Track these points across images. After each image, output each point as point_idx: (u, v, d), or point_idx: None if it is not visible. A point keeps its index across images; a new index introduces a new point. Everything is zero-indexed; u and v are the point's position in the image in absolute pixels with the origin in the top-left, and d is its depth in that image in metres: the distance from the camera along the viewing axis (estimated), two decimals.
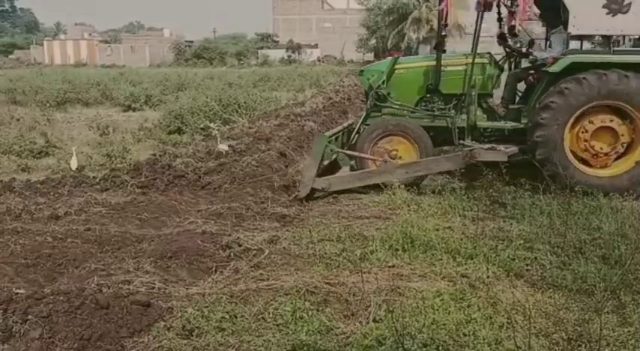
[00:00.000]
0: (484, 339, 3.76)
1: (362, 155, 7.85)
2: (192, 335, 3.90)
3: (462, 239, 5.66)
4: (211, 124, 10.34)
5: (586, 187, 6.89)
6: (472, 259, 5.19)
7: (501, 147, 7.56)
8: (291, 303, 4.25)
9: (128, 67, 49.31)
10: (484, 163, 7.35)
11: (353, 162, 8.21)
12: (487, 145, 7.61)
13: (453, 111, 8.01)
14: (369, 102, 8.29)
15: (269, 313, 4.17)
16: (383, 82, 8.12)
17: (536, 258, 5.16)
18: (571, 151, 7.39)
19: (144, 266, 5.00)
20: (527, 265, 5.07)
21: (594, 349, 3.64)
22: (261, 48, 69.55)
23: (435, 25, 55.15)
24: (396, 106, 8.17)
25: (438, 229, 5.91)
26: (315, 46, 69.35)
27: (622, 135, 7.26)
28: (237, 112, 13.69)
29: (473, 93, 7.78)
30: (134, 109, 19.07)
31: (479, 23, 8.00)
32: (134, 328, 3.98)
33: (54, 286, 4.59)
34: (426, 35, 54.63)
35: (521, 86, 8.59)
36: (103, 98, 21.26)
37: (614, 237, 5.32)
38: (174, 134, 13.01)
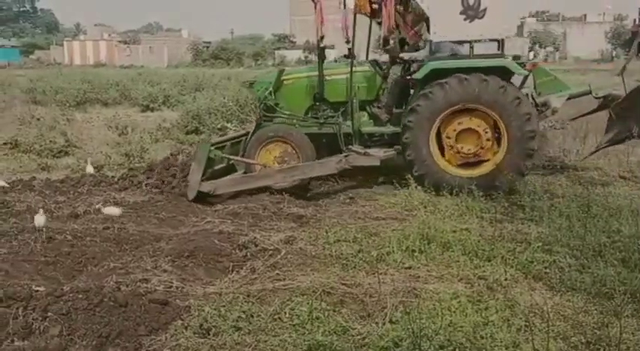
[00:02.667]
0: (502, 342, 3.73)
1: (244, 160, 8.19)
2: (209, 334, 3.92)
3: (479, 241, 5.62)
4: (228, 124, 10.40)
5: (453, 187, 7.21)
6: (490, 261, 5.16)
7: (376, 151, 7.81)
8: (308, 303, 4.26)
9: (146, 67, 49.73)
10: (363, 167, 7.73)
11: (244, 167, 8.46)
12: (363, 150, 7.82)
13: (340, 118, 8.23)
14: (258, 112, 8.60)
15: (285, 313, 4.18)
16: (270, 93, 8.36)
17: (554, 261, 5.11)
18: (442, 153, 7.63)
19: (162, 265, 5.05)
20: (545, 267, 5.01)
21: None
22: (278, 49, 69.72)
23: None
24: (285, 116, 8.41)
25: (455, 231, 5.88)
26: (332, 47, 69.34)
27: (483, 134, 7.46)
28: (253, 112, 13.72)
29: (355, 100, 7.99)
30: (152, 109, 19.21)
31: (354, 29, 8.16)
32: (152, 326, 4.01)
33: (73, 283, 4.65)
34: None
35: None
36: (121, 98, 21.43)
37: (634, 240, 5.25)
38: (191, 134, 13.08)
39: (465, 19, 7.37)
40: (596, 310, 4.22)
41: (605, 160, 9.49)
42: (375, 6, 7.91)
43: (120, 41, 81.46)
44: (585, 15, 78.44)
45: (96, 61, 68.30)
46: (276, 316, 4.15)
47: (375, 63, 8.59)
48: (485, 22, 7.34)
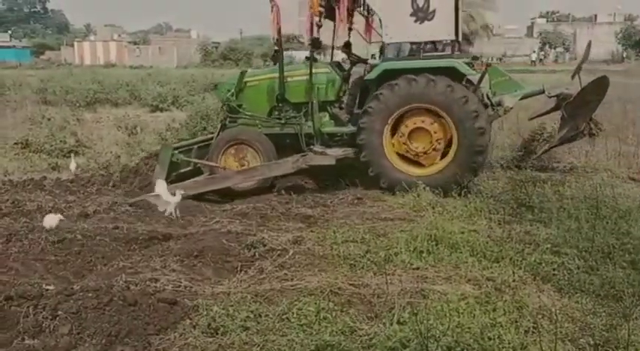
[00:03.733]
0: (509, 343, 3.72)
1: (205, 162, 8.36)
2: (217, 333, 3.94)
3: (487, 242, 5.62)
4: None
5: (407, 187, 7.38)
6: (498, 262, 5.15)
7: (334, 151, 7.92)
8: (315, 303, 4.27)
9: (156, 67, 49.84)
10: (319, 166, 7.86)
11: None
12: (322, 150, 7.94)
13: (301, 119, 8.32)
14: (221, 114, 8.78)
15: (293, 313, 4.19)
16: (232, 95, 8.50)
17: (563, 262, 5.09)
18: (397, 153, 7.75)
19: (170, 264, 5.09)
20: (554, 269, 5.00)
21: None
22: (287, 49, 69.66)
23: (466, 27, 54.92)
24: (247, 117, 8.53)
25: (463, 232, 5.87)
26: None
27: (434, 132, 7.57)
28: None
29: (314, 101, 8.09)
30: (161, 110, 19.29)
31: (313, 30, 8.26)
32: (161, 325, 4.04)
33: (83, 282, 4.69)
34: None
35: None
36: (131, 99, 21.54)
37: None
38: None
39: (415, 21, 7.52)
40: (604, 312, 4.21)
41: (614, 161, 9.45)
42: (321, 9, 7.96)
43: (130, 42, 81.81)
44: (595, 15, 78.02)
45: (106, 61, 68.55)
46: (283, 316, 4.16)
47: (336, 64, 8.71)
48: (435, 24, 7.48)
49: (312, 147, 8.09)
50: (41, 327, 3.90)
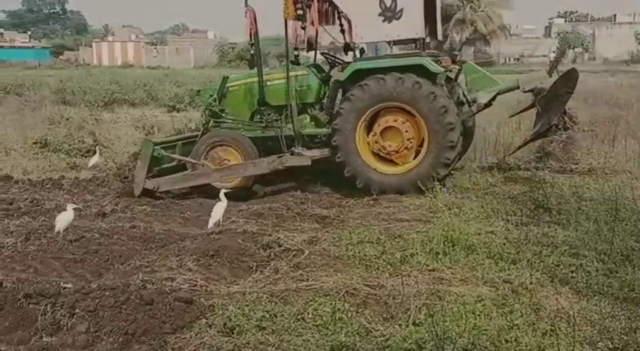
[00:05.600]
0: (527, 346, 3.69)
1: (185, 159, 8.48)
2: (233, 333, 3.95)
3: (504, 244, 5.57)
4: None
5: (381, 186, 7.54)
6: (515, 264, 5.10)
7: (309, 152, 8.03)
8: (331, 304, 4.27)
9: (173, 68, 50.15)
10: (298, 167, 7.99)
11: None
12: (300, 151, 8.05)
13: (282, 121, 8.41)
14: (203, 118, 8.93)
15: (308, 314, 4.19)
16: (215, 100, 8.66)
17: (581, 265, 5.03)
18: (372, 152, 7.78)
19: (187, 264, 5.11)
20: (572, 271, 4.94)
21: None
22: (303, 49, 69.63)
23: (479, 27, 54.58)
24: (230, 121, 8.67)
25: (480, 233, 5.83)
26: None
27: (406, 131, 7.61)
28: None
29: (293, 103, 8.16)
30: (178, 110, 19.38)
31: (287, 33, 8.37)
32: (177, 324, 4.06)
33: (100, 281, 4.74)
34: (469, 36, 53.96)
35: None
36: (148, 99, 21.68)
37: None
38: None
39: (383, 21, 7.60)
40: (623, 315, 4.15)
41: (634, 163, 9.32)
42: (299, 12, 8.04)
43: (147, 42, 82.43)
44: (615, 15, 77.09)
45: (124, 61, 69.15)
46: (299, 317, 4.16)
47: (316, 66, 8.77)
48: (403, 23, 7.56)
49: (293, 149, 8.16)
50: (59, 325, 3.94)
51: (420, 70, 7.44)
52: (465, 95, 8.37)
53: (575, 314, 4.04)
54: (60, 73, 35.67)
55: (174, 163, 8.55)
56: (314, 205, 7.42)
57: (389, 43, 8.20)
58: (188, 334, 3.95)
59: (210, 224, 6.17)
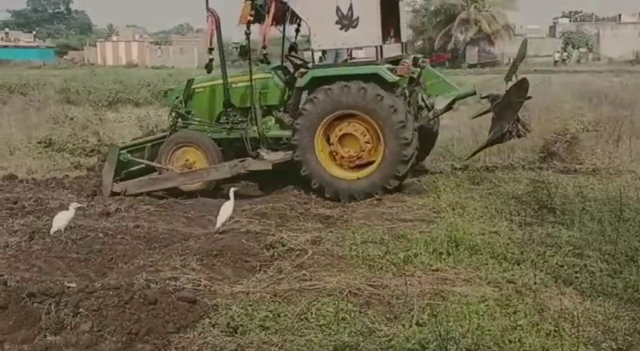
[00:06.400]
0: (530, 346, 3.69)
1: (148, 163, 8.59)
2: (236, 333, 3.96)
3: (508, 244, 5.56)
4: None
5: (335, 189, 7.65)
6: (519, 264, 5.10)
7: (271, 155, 8.09)
8: (334, 304, 4.27)
9: (177, 68, 50.14)
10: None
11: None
12: (265, 154, 8.14)
13: (247, 123, 8.47)
14: (170, 119, 8.98)
15: (312, 313, 4.19)
16: (180, 102, 8.77)
17: (585, 265, 5.02)
18: (329, 155, 7.88)
19: (190, 263, 5.12)
20: (576, 272, 4.93)
21: None
22: (307, 49, 69.76)
23: (484, 26, 54.50)
24: (196, 122, 8.77)
25: (483, 234, 5.82)
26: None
27: (364, 142, 7.71)
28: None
29: (256, 105, 8.28)
30: None
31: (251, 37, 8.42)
32: (180, 323, 4.07)
33: (104, 280, 4.75)
34: (474, 36, 53.85)
35: None
36: (152, 98, 21.70)
37: None
38: None
39: (340, 29, 7.68)
40: (627, 316, 4.14)
41: (638, 163, 9.29)
42: (250, 17, 8.12)
43: (151, 42, 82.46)
44: (620, 15, 76.81)
45: (128, 61, 69.20)
46: (302, 316, 4.17)
47: (281, 68, 8.84)
48: (359, 31, 7.64)
49: (258, 151, 8.23)
50: (63, 324, 3.96)
51: (376, 79, 7.55)
52: (424, 100, 8.49)
53: (579, 315, 4.03)
54: (64, 73, 35.75)
55: (143, 166, 8.65)
56: (317, 205, 7.42)
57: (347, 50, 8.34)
58: (191, 334, 3.97)
59: (219, 223, 6.18)
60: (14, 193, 8.26)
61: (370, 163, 7.78)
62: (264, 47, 8.40)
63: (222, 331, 3.98)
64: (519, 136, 8.32)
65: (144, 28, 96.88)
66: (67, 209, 6.08)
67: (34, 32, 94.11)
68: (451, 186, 7.84)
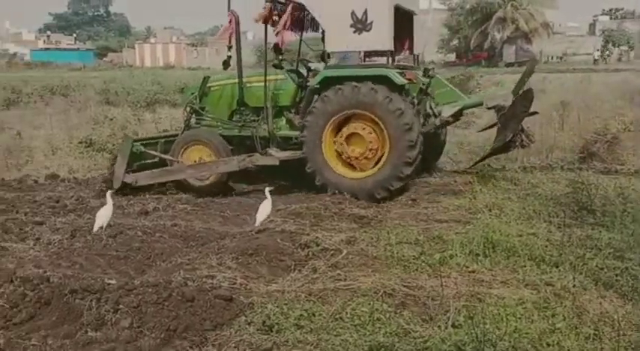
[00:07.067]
0: (569, 350, 3.63)
1: (160, 155, 8.86)
2: (271, 331, 3.99)
3: (546, 246, 5.47)
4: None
5: (336, 187, 7.80)
6: (557, 267, 5.01)
7: (279, 152, 8.32)
8: (369, 304, 4.27)
9: (213, 69, 50.65)
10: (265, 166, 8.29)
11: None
12: (274, 152, 8.34)
13: (258, 122, 8.74)
14: (184, 116, 9.35)
15: (346, 313, 4.19)
16: (195, 98, 9.14)
17: (627, 268, 4.91)
18: (336, 154, 8.03)
19: (226, 262, 5.17)
20: (616, 275, 4.82)
21: None
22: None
23: (521, 25, 53.60)
24: (209, 119, 9.11)
25: (521, 235, 5.74)
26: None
27: (370, 142, 7.83)
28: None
29: (268, 105, 8.54)
30: None
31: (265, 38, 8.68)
32: (217, 321, 4.12)
33: (143, 278, 4.83)
34: (510, 35, 53.07)
35: None
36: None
37: None
38: None
39: (354, 32, 7.88)
40: None
41: None
42: (275, 18, 8.32)
43: (188, 44, 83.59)
44: None
45: (165, 63, 70.30)
46: (337, 316, 4.17)
47: (296, 72, 9.04)
48: (372, 35, 7.83)
49: (267, 149, 8.45)
50: (103, 320, 4.04)
51: (385, 81, 7.68)
52: (432, 108, 8.61)
53: (620, 318, 3.94)
54: (104, 75, 36.50)
55: (155, 160, 8.90)
56: (352, 205, 7.42)
57: (359, 53, 8.56)
58: (228, 332, 4.01)
59: (258, 221, 6.25)
60: (56, 192, 8.50)
61: (376, 163, 7.89)
62: (282, 53, 8.74)
63: (257, 329, 4.01)
64: (523, 147, 8.55)
65: (181, 30, 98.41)
66: (106, 203, 6.21)
67: (74, 35, 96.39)
68: (488, 187, 7.77)
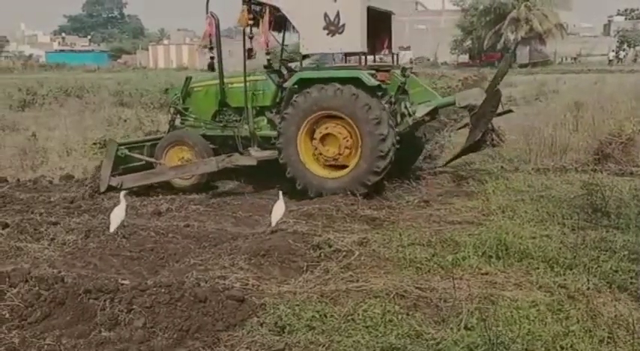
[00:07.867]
0: None
1: (143, 158, 9.02)
2: (283, 332, 4.00)
3: (560, 248, 5.43)
4: None
5: (317, 189, 7.87)
6: (571, 269, 4.97)
7: (257, 153, 8.49)
8: (381, 305, 4.26)
9: (226, 70, 50.95)
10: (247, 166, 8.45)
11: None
12: (255, 152, 8.53)
13: (240, 122, 8.89)
14: (168, 116, 9.61)
15: (358, 315, 4.19)
16: (179, 99, 9.33)
17: None
18: (312, 156, 8.11)
19: (238, 263, 5.20)
20: (631, 277, 4.78)
21: None
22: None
23: (535, 25, 53.27)
24: (192, 119, 9.26)
25: (534, 237, 5.70)
26: (408, 48, 68.74)
27: (344, 139, 7.90)
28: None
29: (249, 106, 8.70)
30: None
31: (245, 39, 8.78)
32: (229, 322, 4.14)
33: (156, 278, 4.87)
34: (524, 35, 52.78)
35: None
36: None
37: None
38: None
39: (327, 34, 7.94)
40: None
41: None
42: (250, 22, 8.41)
43: (201, 45, 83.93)
44: None
45: (179, 64, 70.66)
46: (349, 317, 4.17)
47: (275, 72, 9.12)
48: (345, 37, 7.87)
49: (249, 148, 8.64)
50: (117, 320, 4.08)
51: (358, 82, 7.73)
52: (407, 107, 8.62)
53: (635, 321, 3.91)
54: (118, 76, 36.75)
55: (142, 163, 9.02)
56: (364, 206, 7.41)
57: (332, 55, 8.77)
58: (240, 332, 4.02)
59: (274, 221, 6.27)
60: (71, 192, 8.56)
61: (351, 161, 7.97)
62: (267, 53, 8.83)
63: (269, 330, 4.02)
64: (494, 146, 8.69)
65: (194, 32, 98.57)
66: (119, 203, 6.25)
67: (89, 36, 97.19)
68: (501, 188, 7.73)
